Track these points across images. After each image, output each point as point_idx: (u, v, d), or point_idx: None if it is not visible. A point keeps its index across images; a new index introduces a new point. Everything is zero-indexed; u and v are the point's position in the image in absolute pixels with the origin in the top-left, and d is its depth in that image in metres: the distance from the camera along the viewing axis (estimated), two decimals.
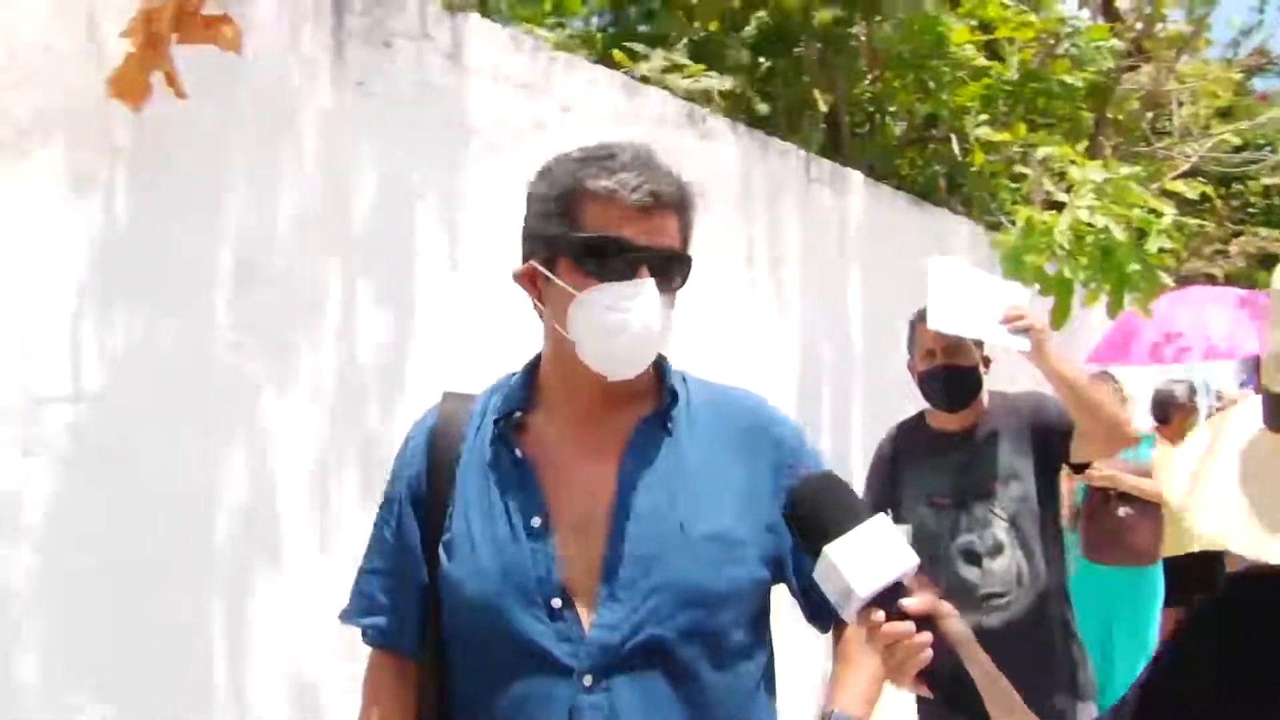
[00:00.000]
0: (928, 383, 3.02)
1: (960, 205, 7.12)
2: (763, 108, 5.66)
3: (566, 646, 1.43)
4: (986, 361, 3.03)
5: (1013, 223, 5.76)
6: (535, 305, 1.54)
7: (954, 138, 6.95)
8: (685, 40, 5.91)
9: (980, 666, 1.24)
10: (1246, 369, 9.18)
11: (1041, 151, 5.99)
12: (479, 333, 2.68)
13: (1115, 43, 7.53)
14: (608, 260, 1.44)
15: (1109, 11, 8.46)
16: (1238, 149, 10.74)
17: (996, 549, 2.94)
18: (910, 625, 1.21)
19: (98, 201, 2.02)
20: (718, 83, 4.39)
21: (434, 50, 2.68)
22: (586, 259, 1.45)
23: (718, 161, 3.78)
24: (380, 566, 1.58)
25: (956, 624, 1.24)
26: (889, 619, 1.21)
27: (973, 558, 2.94)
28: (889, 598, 1.21)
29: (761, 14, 5.55)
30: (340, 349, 2.43)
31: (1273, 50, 10.90)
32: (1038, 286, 5.32)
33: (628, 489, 1.47)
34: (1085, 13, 8.13)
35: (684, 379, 1.58)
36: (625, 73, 3.72)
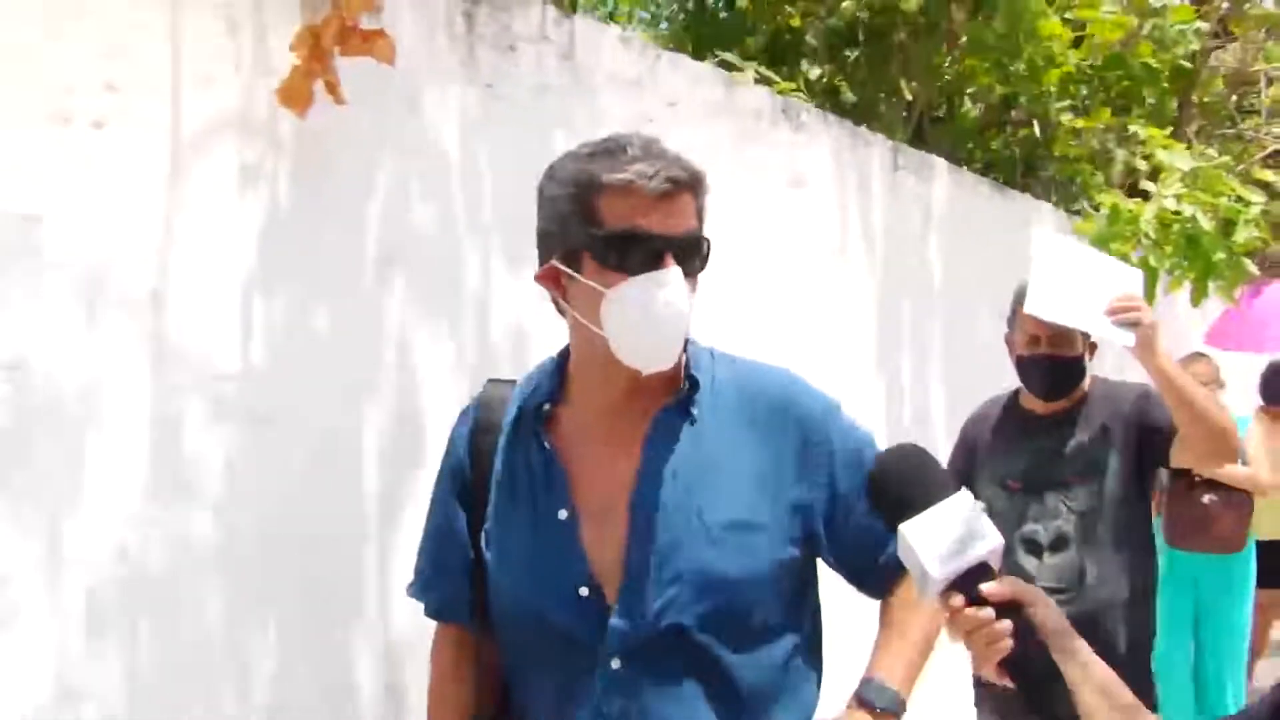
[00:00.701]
0: (1027, 368, 2.87)
1: (1038, 190, 7.16)
2: (849, 96, 5.79)
3: (594, 634, 1.47)
4: (1093, 348, 2.87)
5: (1096, 208, 5.83)
6: (557, 304, 1.54)
7: (1035, 123, 6.99)
8: (769, 31, 6.05)
9: (1075, 660, 1.15)
10: None
11: (1132, 128, 6.03)
12: None
13: (1201, 25, 7.49)
14: (632, 253, 1.44)
15: None
16: None
17: (1059, 543, 2.79)
18: (990, 612, 1.14)
19: (263, 194, 2.24)
20: (803, 101, 4.53)
21: (552, 52, 2.87)
22: (611, 254, 1.45)
23: (811, 152, 3.93)
24: (433, 545, 1.66)
25: (1048, 612, 1.16)
26: (969, 604, 1.15)
27: (1034, 548, 2.80)
28: (970, 581, 1.15)
29: (849, 3, 5.65)
30: (473, 327, 2.64)
31: None
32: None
33: (647, 479, 1.49)
34: None
35: (712, 358, 1.59)
36: None
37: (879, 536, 1.51)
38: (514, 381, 1.64)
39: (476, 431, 1.60)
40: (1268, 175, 5.93)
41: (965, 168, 5.83)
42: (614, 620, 1.47)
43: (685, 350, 1.55)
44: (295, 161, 2.27)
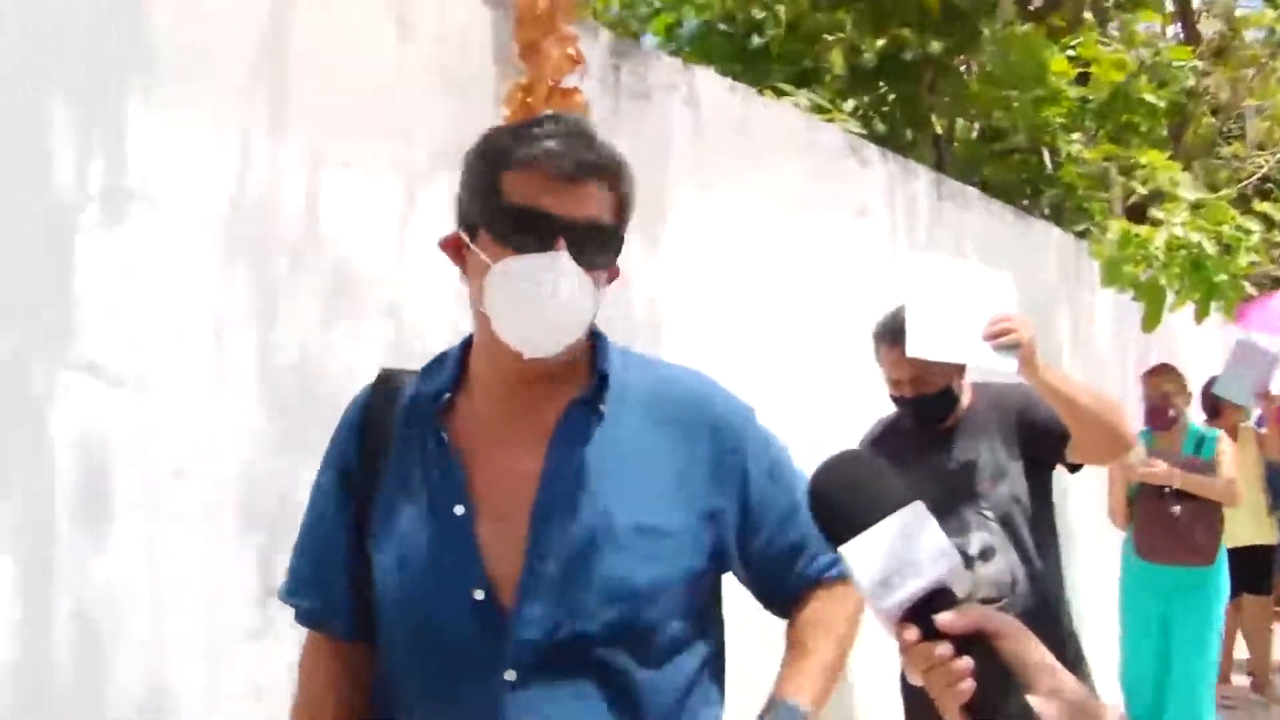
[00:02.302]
0: (898, 407, 2.89)
1: (1041, 214, 7.67)
2: (879, 127, 6.27)
3: (489, 641, 1.36)
4: (961, 369, 2.82)
5: (1103, 232, 6.32)
6: (461, 279, 1.47)
7: (1045, 151, 7.50)
8: (805, 63, 6.53)
9: (1059, 706, 0.94)
10: None
11: (1142, 159, 6.54)
12: (723, 334, 3.31)
13: (1197, 63, 8.05)
14: (524, 231, 1.36)
15: (1190, 33, 8.94)
16: None
17: (987, 553, 2.74)
18: (946, 648, 0.95)
19: None
20: (856, 126, 5.00)
21: (677, 99, 3.30)
22: (504, 229, 1.37)
23: (872, 184, 4.38)
24: (310, 545, 1.55)
25: (1023, 644, 0.97)
26: (925, 637, 0.96)
27: (964, 564, 2.49)
28: (927, 610, 0.97)
29: (880, 42, 6.13)
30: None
31: None
32: (1132, 292, 5.88)
33: (552, 477, 1.40)
34: (1171, 30, 8.64)
35: (624, 358, 1.50)
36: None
37: (789, 553, 1.49)
38: (410, 371, 1.55)
39: (367, 420, 1.50)
40: (1265, 207, 6.45)
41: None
42: (513, 628, 1.36)
43: (595, 346, 1.48)
44: None
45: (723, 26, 7.23)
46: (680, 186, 3.30)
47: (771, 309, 3.66)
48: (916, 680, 0.98)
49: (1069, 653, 2.73)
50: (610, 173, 1.40)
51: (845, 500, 1.02)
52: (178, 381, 2.14)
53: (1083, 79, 7.40)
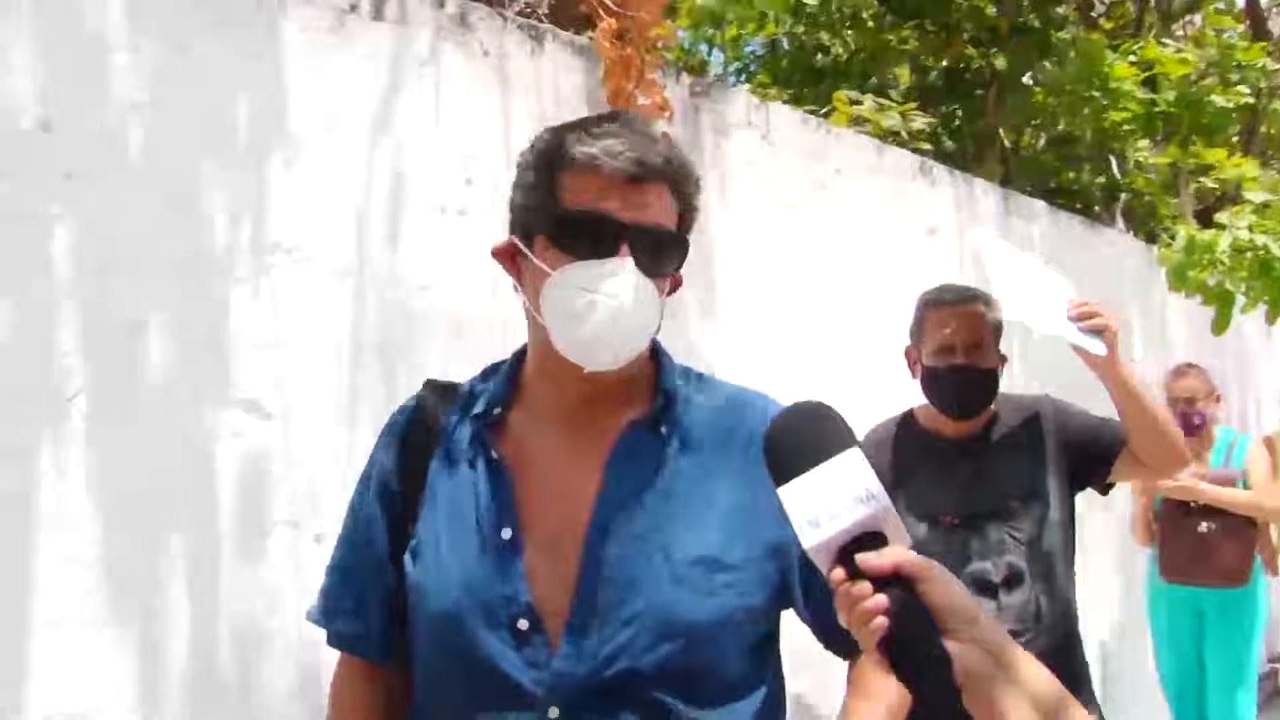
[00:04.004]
0: (937, 381, 2.57)
1: (1106, 219, 7.73)
2: (949, 144, 6.41)
3: (531, 674, 1.29)
4: (1003, 359, 2.62)
5: (1171, 238, 6.38)
6: (515, 288, 1.40)
7: (1113, 159, 7.56)
8: (870, 81, 6.69)
9: (973, 651, 0.96)
10: None
11: (1211, 158, 6.60)
12: (802, 355, 3.51)
13: (1267, 62, 8.03)
14: (585, 236, 1.29)
15: (1259, 31, 8.92)
16: None
17: (1015, 579, 2.50)
18: (864, 586, 0.96)
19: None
20: (922, 122, 5.15)
21: (753, 133, 3.52)
22: (562, 234, 1.30)
23: (942, 202, 4.55)
24: (346, 565, 1.47)
25: (941, 588, 0.97)
26: (849, 578, 0.98)
27: (987, 589, 2.48)
28: (855, 551, 0.98)
29: (944, 61, 6.27)
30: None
31: None
32: (1200, 297, 5.95)
33: (608, 501, 1.32)
34: (1239, 30, 8.63)
35: (689, 378, 1.42)
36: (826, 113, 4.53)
37: None
38: (456, 384, 1.48)
39: (409, 435, 1.43)
40: None
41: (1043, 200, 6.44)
42: (557, 662, 1.29)
43: (659, 363, 1.40)
44: None
45: (787, 46, 7.42)
46: (759, 213, 3.51)
47: (847, 329, 3.85)
48: (844, 621, 1.00)
49: (1085, 685, 2.57)
50: (674, 174, 1.34)
51: (791, 446, 1.03)
52: (317, 414, 2.40)
53: (1150, 83, 7.44)
